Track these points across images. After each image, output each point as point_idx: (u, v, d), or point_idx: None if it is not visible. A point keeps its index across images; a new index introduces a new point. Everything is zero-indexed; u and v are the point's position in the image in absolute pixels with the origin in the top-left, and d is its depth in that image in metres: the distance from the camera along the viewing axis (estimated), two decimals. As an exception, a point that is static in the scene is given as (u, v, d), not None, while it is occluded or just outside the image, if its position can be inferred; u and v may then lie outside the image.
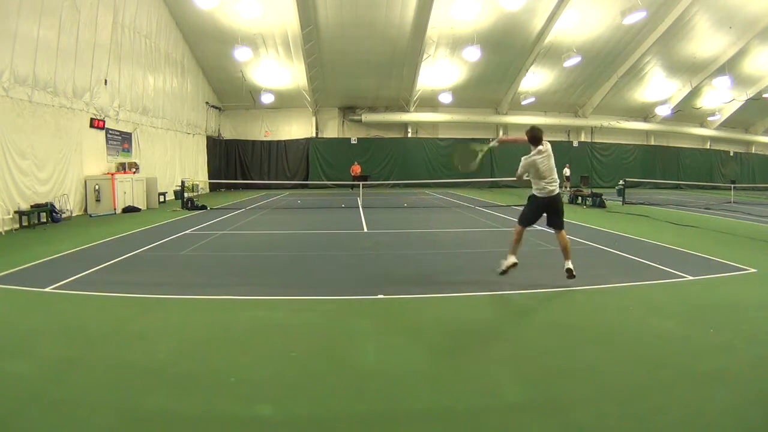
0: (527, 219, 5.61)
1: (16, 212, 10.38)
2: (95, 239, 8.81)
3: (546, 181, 5.41)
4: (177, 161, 20.07)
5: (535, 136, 5.55)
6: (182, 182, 16.33)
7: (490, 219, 12.37)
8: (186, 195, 15.44)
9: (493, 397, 2.98)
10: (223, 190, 24.76)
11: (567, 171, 21.94)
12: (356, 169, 24.64)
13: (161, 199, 16.74)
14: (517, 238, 5.52)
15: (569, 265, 5.33)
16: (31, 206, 10.86)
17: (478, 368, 3.42)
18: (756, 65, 25.32)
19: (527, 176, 5.58)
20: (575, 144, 29.81)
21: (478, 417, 2.75)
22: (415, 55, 22.04)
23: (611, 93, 26.83)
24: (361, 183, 21.33)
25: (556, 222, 5.50)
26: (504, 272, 5.48)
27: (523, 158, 5.55)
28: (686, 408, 2.83)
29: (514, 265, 5.47)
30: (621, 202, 16.88)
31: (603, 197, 15.87)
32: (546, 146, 5.52)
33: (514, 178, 5.82)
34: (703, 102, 28.55)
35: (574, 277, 5.32)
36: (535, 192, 5.53)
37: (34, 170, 11.21)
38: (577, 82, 25.97)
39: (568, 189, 20.31)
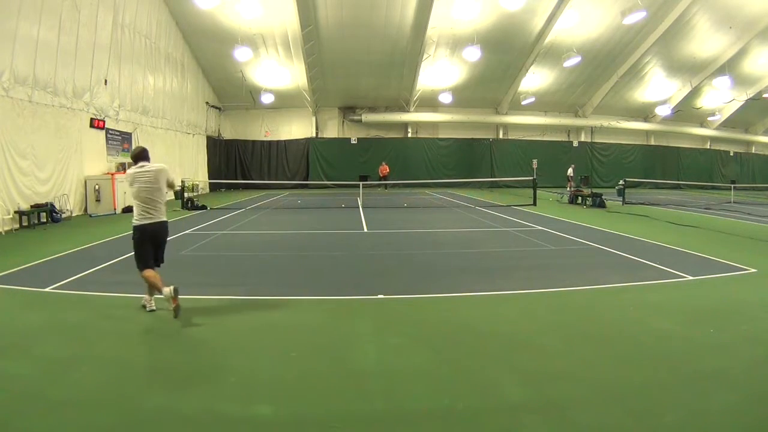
0: (144, 258, 4.61)
1: (16, 212, 10.38)
2: (95, 239, 8.81)
3: (146, 206, 4.56)
4: (177, 161, 20.06)
5: (135, 155, 4.76)
6: (182, 182, 16.32)
7: (490, 219, 12.37)
8: (186, 195, 15.43)
9: (493, 397, 2.98)
10: (223, 190, 24.76)
11: (570, 171, 21.83)
12: (384, 169, 25.14)
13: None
14: (152, 281, 4.50)
15: (155, 295, 4.58)
16: (31, 206, 10.85)
17: (478, 368, 3.42)
18: (756, 65, 25.32)
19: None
20: (575, 144, 29.81)
21: (478, 417, 2.75)
22: (415, 55, 22.04)
23: (611, 93, 26.83)
24: (387, 183, 23.37)
25: (157, 255, 4.70)
26: (153, 310, 4.57)
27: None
28: (686, 408, 2.83)
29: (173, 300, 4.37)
30: (621, 202, 16.88)
31: (603, 197, 15.87)
32: (153, 166, 4.65)
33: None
34: (703, 102, 28.54)
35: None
36: (135, 220, 4.60)
37: (34, 170, 11.20)
38: (577, 82, 25.97)
39: (570, 189, 20.24)
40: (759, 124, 33.19)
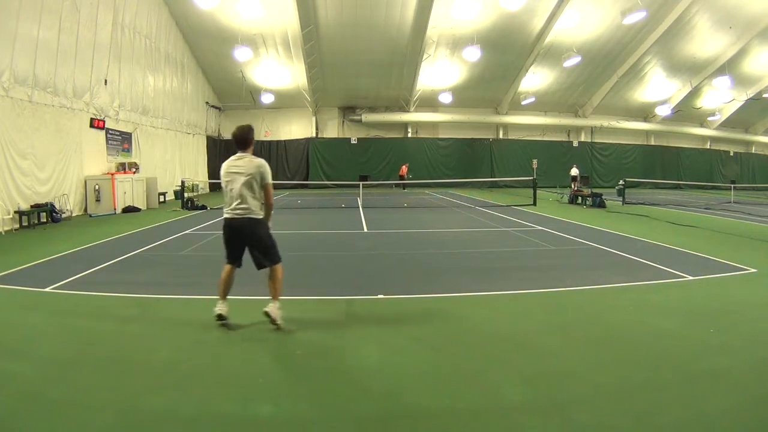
0: (227, 251, 4.20)
1: (16, 212, 10.38)
2: (95, 239, 8.81)
3: (229, 199, 4.07)
4: (177, 161, 20.06)
5: (238, 135, 4.14)
6: (182, 182, 16.33)
7: (490, 219, 12.37)
8: (186, 195, 15.43)
9: (493, 397, 2.98)
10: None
11: (575, 171, 21.72)
12: (404, 169, 25.25)
13: (161, 199, 16.74)
14: (224, 278, 4.20)
15: (274, 310, 4.11)
16: (31, 206, 10.86)
17: (478, 368, 3.42)
18: (756, 65, 25.32)
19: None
20: (575, 144, 29.82)
21: (478, 417, 2.75)
22: (415, 55, 22.04)
23: (611, 93, 26.83)
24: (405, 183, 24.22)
25: (256, 256, 4.18)
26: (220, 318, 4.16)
27: None
28: (686, 408, 2.83)
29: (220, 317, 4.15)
30: (621, 202, 16.88)
31: (603, 197, 15.88)
32: (248, 158, 4.08)
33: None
34: (703, 102, 28.55)
35: (276, 325, 4.09)
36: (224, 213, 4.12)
37: (34, 170, 11.21)
38: (577, 82, 25.97)
39: (573, 189, 20.19)
40: (759, 124, 33.20)
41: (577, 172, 21.48)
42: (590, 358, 3.57)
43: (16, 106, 10.64)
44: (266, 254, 4.16)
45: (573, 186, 20.37)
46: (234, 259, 4.22)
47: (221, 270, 4.57)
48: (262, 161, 4.08)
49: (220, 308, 4.18)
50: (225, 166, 4.10)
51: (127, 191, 14.27)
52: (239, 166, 4.04)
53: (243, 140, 4.11)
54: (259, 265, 4.19)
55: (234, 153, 4.16)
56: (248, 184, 3.99)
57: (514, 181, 25.29)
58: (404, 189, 24.73)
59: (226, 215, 4.09)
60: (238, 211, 4.02)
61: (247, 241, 4.13)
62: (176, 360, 3.56)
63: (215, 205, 15.71)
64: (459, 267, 6.75)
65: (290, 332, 4.14)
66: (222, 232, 4.20)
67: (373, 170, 26.46)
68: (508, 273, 6.40)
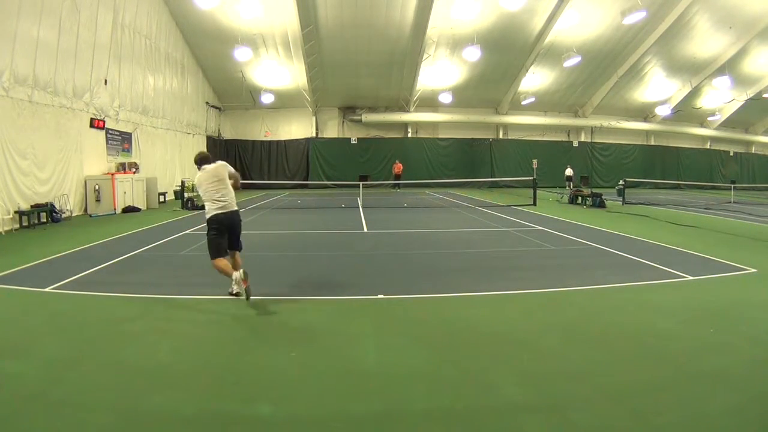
0: (220, 247, 4.97)
1: (16, 212, 10.38)
2: (95, 239, 8.81)
3: (218, 196, 4.98)
4: (177, 161, 20.05)
5: (199, 159, 5.21)
6: (182, 182, 16.33)
7: (490, 219, 12.37)
8: (186, 195, 15.42)
9: (493, 397, 2.98)
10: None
11: (569, 171, 21.74)
12: (398, 167, 25.22)
13: (161, 199, 16.74)
14: (224, 270, 4.88)
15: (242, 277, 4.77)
16: (31, 206, 10.86)
17: (478, 368, 3.42)
18: (756, 65, 25.33)
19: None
20: (575, 144, 29.81)
21: (478, 417, 2.75)
22: (415, 55, 22.05)
23: (611, 93, 26.83)
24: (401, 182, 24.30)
25: (234, 243, 5.14)
26: (238, 294, 4.96)
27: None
28: (686, 408, 2.83)
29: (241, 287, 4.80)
30: (621, 202, 16.88)
31: (603, 197, 15.88)
32: (212, 166, 5.12)
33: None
34: (703, 102, 28.55)
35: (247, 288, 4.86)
36: (213, 211, 4.97)
37: (34, 170, 11.20)
38: (577, 82, 25.97)
39: (569, 189, 20.22)
40: (759, 124, 33.20)
41: (572, 172, 21.49)
42: (590, 358, 3.57)
43: (16, 106, 10.63)
44: (239, 238, 5.24)
45: (568, 186, 20.38)
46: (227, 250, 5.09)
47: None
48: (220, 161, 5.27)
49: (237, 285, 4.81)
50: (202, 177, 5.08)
51: (127, 191, 14.27)
52: (209, 171, 5.07)
53: (207, 159, 5.19)
54: (233, 248, 5.17)
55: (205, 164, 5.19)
56: (224, 181, 5.08)
57: (514, 181, 25.29)
58: (398, 189, 24.69)
59: (218, 212, 4.97)
60: (230, 206, 5.06)
61: (235, 230, 5.14)
62: (176, 360, 3.56)
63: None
64: (459, 267, 6.75)
65: (288, 333, 4.15)
66: (215, 230, 4.98)
67: (373, 170, 26.46)
68: (508, 273, 6.40)
